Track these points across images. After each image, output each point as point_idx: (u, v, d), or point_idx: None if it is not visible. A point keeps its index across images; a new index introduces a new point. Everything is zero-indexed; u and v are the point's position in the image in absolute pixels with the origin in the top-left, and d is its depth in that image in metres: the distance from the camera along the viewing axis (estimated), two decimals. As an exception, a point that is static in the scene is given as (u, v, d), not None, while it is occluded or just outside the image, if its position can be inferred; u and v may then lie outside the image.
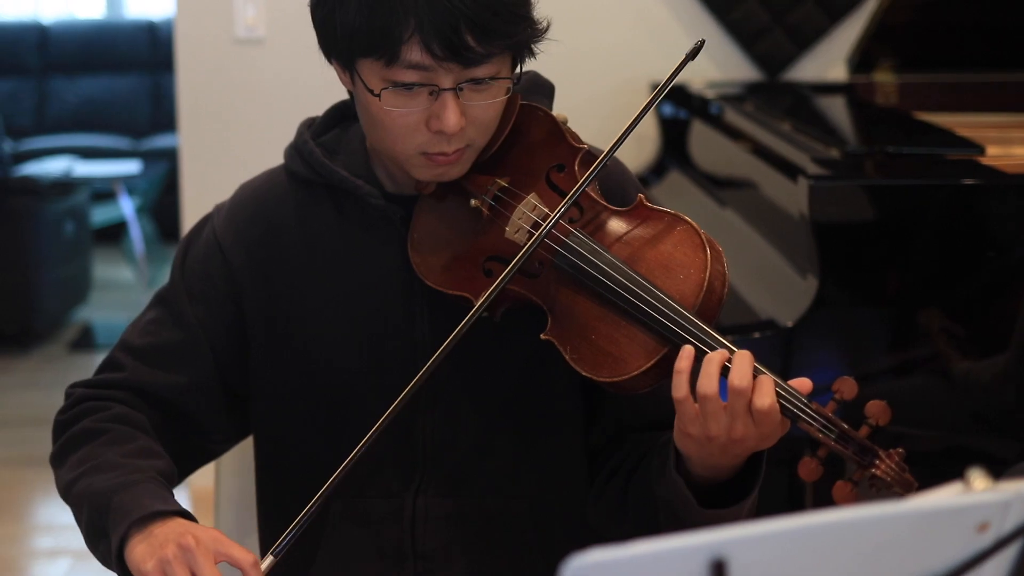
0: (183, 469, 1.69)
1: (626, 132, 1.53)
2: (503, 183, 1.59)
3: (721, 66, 3.88)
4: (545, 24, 1.54)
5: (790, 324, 2.24)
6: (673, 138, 3.69)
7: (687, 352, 1.44)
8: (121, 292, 6.53)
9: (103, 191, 6.33)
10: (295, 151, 1.69)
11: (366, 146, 1.67)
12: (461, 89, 1.49)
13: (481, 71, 1.49)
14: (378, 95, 1.50)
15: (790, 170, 2.49)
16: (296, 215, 1.67)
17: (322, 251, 1.66)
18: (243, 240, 1.68)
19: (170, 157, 6.75)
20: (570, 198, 1.52)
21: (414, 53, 1.47)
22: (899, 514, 0.85)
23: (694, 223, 1.52)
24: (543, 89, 1.67)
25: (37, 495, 4.26)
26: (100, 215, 6.36)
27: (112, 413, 1.65)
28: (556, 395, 1.66)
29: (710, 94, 3.52)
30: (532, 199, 1.57)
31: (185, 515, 1.53)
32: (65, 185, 5.73)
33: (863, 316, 2.32)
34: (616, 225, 1.56)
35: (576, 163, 1.58)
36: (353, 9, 1.48)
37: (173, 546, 1.46)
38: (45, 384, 5.24)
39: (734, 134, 3.15)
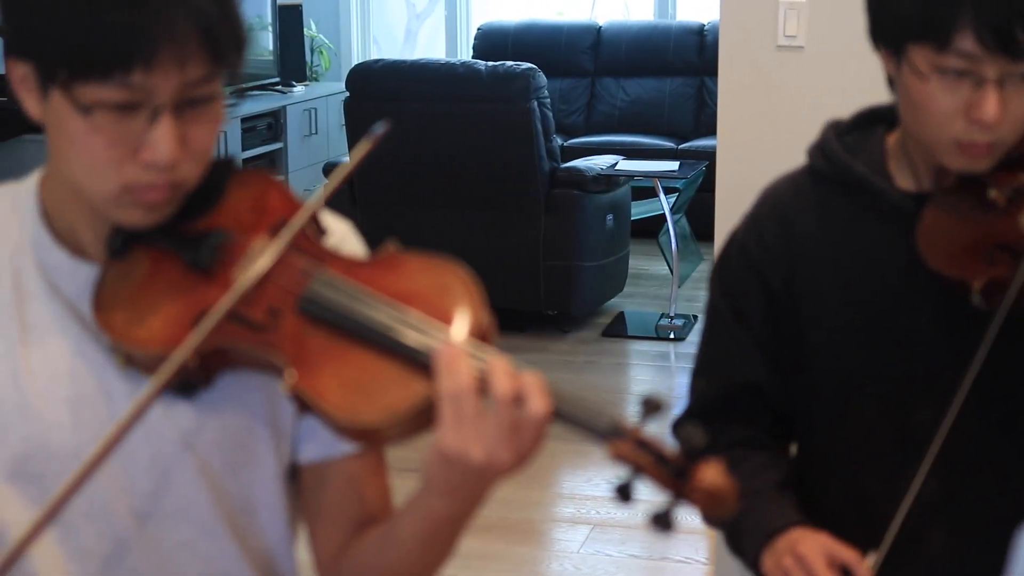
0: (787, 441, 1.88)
1: None
2: None
3: None
4: None
5: None
6: None
7: None
8: (653, 285, 6.81)
9: (643, 187, 6.61)
10: (819, 149, 1.81)
11: (884, 146, 1.76)
12: (1003, 83, 1.56)
13: (1022, 66, 1.56)
14: (926, 79, 1.59)
15: None
16: (813, 208, 1.79)
17: (833, 240, 1.76)
18: (761, 235, 1.82)
19: (707, 157, 6.95)
20: None
21: (966, 42, 1.55)
22: None
23: None
24: None
25: (564, 466, 4.54)
26: (638, 210, 6.64)
27: (724, 441, 1.81)
28: None
29: None
30: None
31: (801, 522, 1.72)
32: (609, 179, 6.03)
33: None
34: None
35: None
36: None
37: (789, 558, 1.68)
38: (579, 365, 5.60)
39: None
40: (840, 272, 1.76)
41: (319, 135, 7.98)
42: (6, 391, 1.39)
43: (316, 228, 1.41)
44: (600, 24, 8.49)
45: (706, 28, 8.18)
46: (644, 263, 7.04)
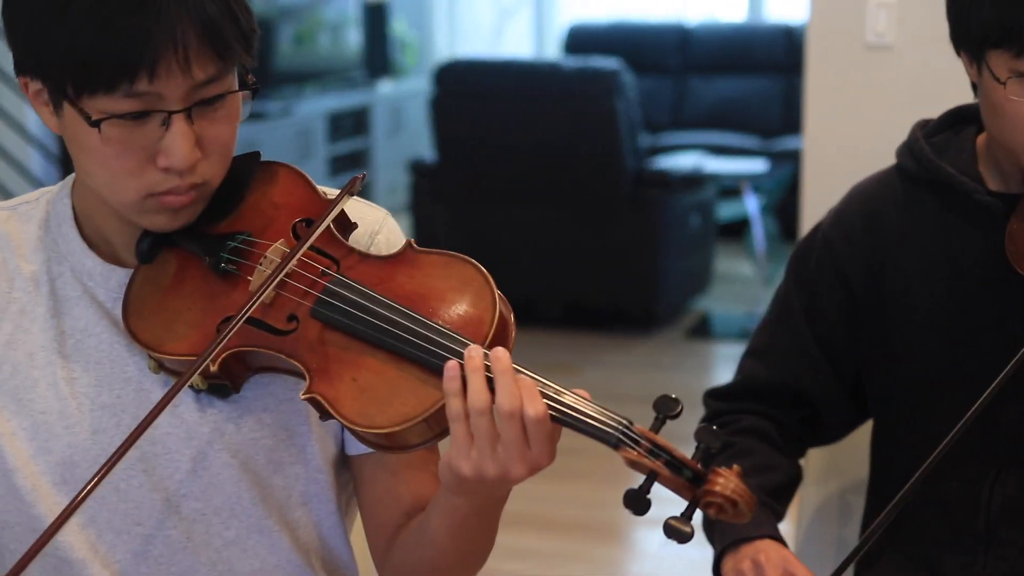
0: (803, 448, 1.88)
1: None
2: None
3: None
4: None
5: None
6: None
7: None
8: (739, 286, 6.75)
9: (730, 187, 6.57)
10: (907, 149, 1.81)
11: (974, 147, 1.75)
12: None
13: None
14: (1003, 83, 1.59)
15: None
16: (901, 207, 1.79)
17: (921, 241, 1.76)
18: (848, 232, 1.81)
19: (796, 158, 6.89)
20: None
21: None
22: None
23: None
24: None
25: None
26: (725, 211, 6.60)
27: (740, 427, 1.83)
28: None
29: None
30: None
31: (772, 536, 1.72)
32: (694, 179, 5.99)
33: None
34: None
35: None
36: (989, 2, 1.59)
37: (748, 561, 1.68)
38: (663, 366, 5.56)
39: None
40: (928, 272, 1.75)
41: (405, 132, 8.01)
42: (48, 401, 1.41)
43: (341, 224, 1.40)
44: (689, 23, 8.48)
45: (795, 28, 8.11)
46: (731, 263, 7.00)
